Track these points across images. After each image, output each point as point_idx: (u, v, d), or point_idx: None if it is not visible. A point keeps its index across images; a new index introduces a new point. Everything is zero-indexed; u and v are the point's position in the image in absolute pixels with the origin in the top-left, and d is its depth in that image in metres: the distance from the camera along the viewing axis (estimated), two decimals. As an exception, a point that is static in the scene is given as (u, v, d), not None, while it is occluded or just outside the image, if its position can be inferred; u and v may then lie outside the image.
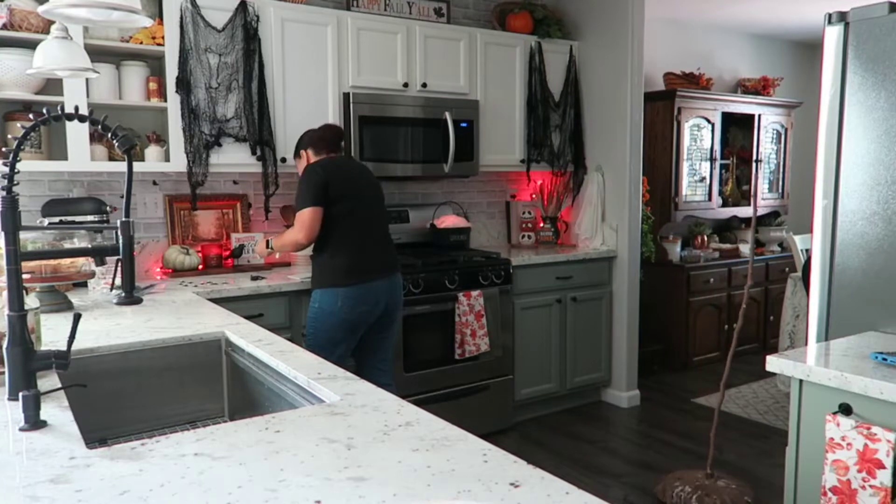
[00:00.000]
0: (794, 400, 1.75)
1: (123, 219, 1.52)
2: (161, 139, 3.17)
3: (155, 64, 3.17)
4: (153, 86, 3.10)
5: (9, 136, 2.90)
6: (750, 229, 5.75)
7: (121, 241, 1.51)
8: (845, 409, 1.61)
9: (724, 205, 5.58)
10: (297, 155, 3.09)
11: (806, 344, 2.19)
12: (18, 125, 2.87)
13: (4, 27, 2.73)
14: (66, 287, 2.62)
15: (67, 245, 2.32)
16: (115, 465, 1.09)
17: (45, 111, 1.42)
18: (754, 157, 5.68)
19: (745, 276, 5.33)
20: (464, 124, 3.82)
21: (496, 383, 3.75)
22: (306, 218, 2.82)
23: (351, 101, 3.46)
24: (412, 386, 3.38)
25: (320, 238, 2.87)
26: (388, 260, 2.98)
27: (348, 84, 3.49)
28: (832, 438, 1.61)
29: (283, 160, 3.35)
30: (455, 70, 3.84)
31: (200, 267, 3.34)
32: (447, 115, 3.73)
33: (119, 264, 1.60)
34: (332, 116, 3.46)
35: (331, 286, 2.84)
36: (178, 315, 2.30)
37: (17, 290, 1.33)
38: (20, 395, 1.27)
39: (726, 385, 3.11)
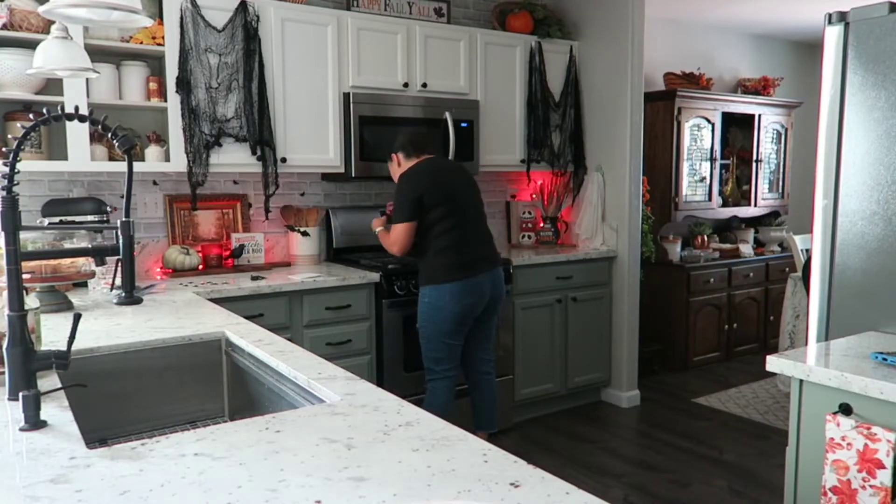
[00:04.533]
0: (795, 400, 1.75)
1: (123, 219, 1.52)
2: (161, 139, 3.17)
3: (155, 64, 3.17)
4: (153, 86, 3.10)
5: (9, 136, 2.90)
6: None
7: (121, 241, 1.51)
8: (845, 409, 1.61)
9: (725, 205, 5.58)
10: (388, 158, 3.20)
11: (806, 344, 2.19)
12: (18, 125, 2.87)
13: (4, 27, 2.73)
14: (66, 287, 2.62)
15: (67, 245, 2.32)
16: (115, 465, 1.09)
17: (45, 111, 1.42)
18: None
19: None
20: (464, 124, 3.82)
21: (496, 383, 3.74)
22: (401, 234, 3.01)
23: (351, 101, 3.46)
24: (412, 386, 3.38)
25: (422, 241, 3.04)
26: (488, 254, 3.12)
27: (348, 84, 3.49)
28: (832, 438, 1.61)
29: (284, 160, 3.35)
30: (455, 70, 3.84)
31: (200, 267, 3.34)
32: (447, 115, 3.73)
33: (119, 264, 1.60)
34: (333, 116, 3.46)
35: (438, 283, 3.01)
36: (178, 315, 2.30)
37: (17, 290, 1.33)
38: (20, 395, 1.27)
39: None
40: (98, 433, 1.82)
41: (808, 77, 6.55)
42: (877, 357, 1.68)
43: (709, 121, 5.28)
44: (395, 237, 3.02)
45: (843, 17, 2.10)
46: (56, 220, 2.79)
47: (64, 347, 1.36)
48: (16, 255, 1.34)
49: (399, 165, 3.12)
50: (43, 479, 1.04)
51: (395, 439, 1.19)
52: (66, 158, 2.88)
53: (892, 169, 2.01)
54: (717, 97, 5.30)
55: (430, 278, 3.04)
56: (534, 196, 4.55)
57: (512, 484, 1.00)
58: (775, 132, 5.85)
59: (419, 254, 3.09)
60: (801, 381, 1.73)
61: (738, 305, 5.34)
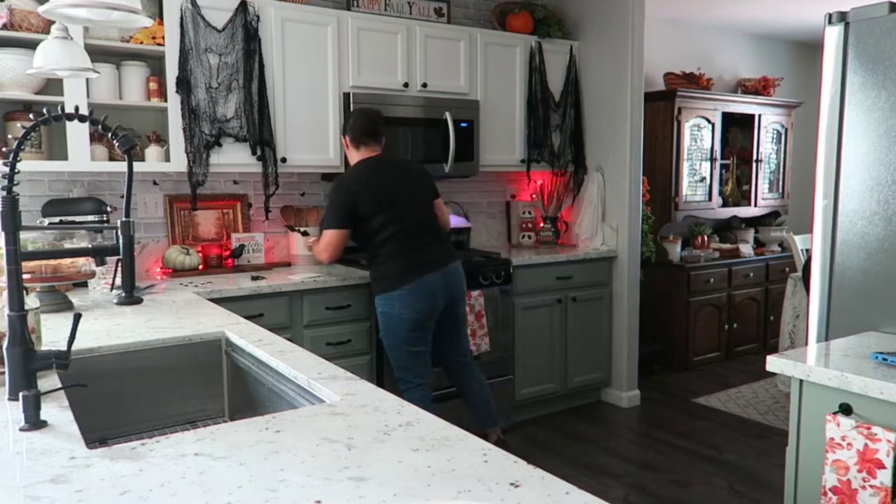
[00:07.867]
0: (795, 400, 1.75)
1: (123, 219, 1.52)
2: (161, 139, 3.17)
3: (155, 64, 3.17)
4: (153, 86, 3.10)
5: (9, 136, 2.90)
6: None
7: (121, 241, 1.51)
8: (845, 409, 1.61)
9: (725, 205, 5.58)
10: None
11: (806, 344, 2.19)
12: (18, 125, 2.87)
13: (4, 27, 2.73)
14: (66, 287, 2.62)
15: (67, 245, 2.32)
16: (115, 465, 1.09)
17: (45, 111, 1.42)
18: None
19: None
20: (464, 124, 3.82)
21: (496, 383, 3.74)
22: (330, 240, 2.94)
23: (351, 101, 3.46)
24: (412, 386, 3.38)
25: (366, 249, 2.98)
26: (437, 255, 3.00)
27: (348, 84, 3.49)
28: (832, 438, 1.61)
29: (284, 160, 3.35)
30: (455, 70, 3.84)
31: (201, 267, 3.34)
32: (447, 115, 3.73)
33: (119, 264, 1.60)
34: (333, 116, 3.46)
35: (387, 291, 2.94)
36: (179, 315, 2.30)
37: (17, 290, 1.33)
38: (20, 395, 1.27)
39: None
40: (98, 433, 1.82)
41: (808, 77, 6.55)
42: (877, 357, 1.68)
43: (709, 121, 5.28)
44: (324, 244, 2.95)
45: (843, 17, 2.10)
46: (56, 220, 2.79)
47: (64, 347, 1.36)
48: (16, 255, 1.34)
49: (346, 149, 3.12)
50: (43, 479, 1.04)
51: (395, 439, 1.19)
52: (66, 158, 2.88)
53: (892, 169, 2.01)
54: (717, 97, 5.30)
55: (379, 287, 2.98)
56: (534, 196, 4.55)
57: (512, 484, 1.00)
58: (775, 132, 5.85)
59: (368, 263, 3.05)
60: (801, 381, 1.73)
61: (738, 305, 5.34)
